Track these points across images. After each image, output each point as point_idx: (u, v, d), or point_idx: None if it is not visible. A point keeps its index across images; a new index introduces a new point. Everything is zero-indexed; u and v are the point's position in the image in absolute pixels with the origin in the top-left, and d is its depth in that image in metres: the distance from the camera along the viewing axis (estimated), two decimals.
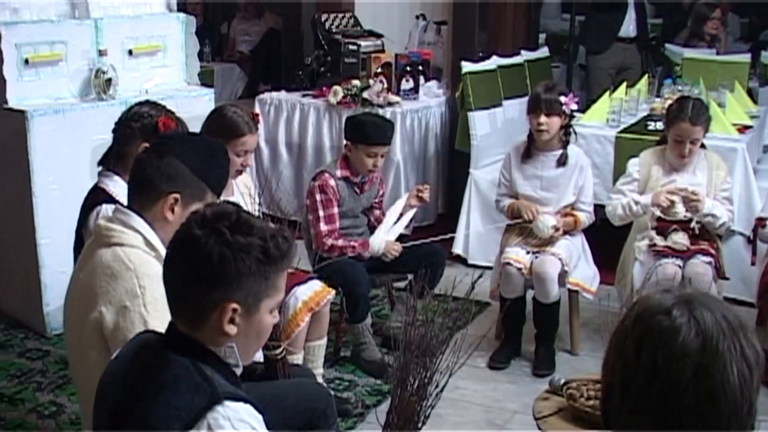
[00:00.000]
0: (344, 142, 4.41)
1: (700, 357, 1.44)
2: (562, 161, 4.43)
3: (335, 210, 4.32)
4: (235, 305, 1.85)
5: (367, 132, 4.28)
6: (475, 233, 5.69)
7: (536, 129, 4.36)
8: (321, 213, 4.29)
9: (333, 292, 3.89)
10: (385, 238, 4.34)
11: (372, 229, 4.50)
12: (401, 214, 4.47)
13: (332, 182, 4.31)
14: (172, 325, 1.93)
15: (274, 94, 6.61)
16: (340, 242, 4.27)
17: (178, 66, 5.26)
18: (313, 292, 3.80)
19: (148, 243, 2.46)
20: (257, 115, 3.81)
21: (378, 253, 4.30)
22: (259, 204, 3.87)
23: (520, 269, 4.30)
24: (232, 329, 1.86)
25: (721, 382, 1.43)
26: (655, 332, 1.47)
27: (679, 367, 1.44)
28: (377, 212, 4.58)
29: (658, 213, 4.25)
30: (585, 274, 4.50)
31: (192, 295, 1.86)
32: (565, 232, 4.43)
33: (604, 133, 5.43)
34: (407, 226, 4.57)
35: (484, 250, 5.61)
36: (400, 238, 4.47)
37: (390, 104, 6.15)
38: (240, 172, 3.69)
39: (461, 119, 5.95)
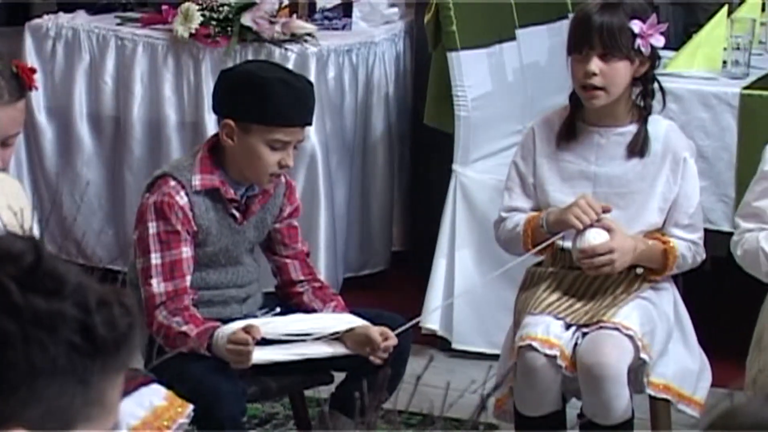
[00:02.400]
0: (216, 117, 4.48)
1: None
2: (636, 147, 4.52)
3: (185, 253, 4.39)
4: None
5: (275, 99, 4.34)
6: (465, 290, 5.74)
7: (583, 85, 4.45)
8: (155, 259, 4.39)
9: (190, 408, 3.96)
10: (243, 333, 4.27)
11: (283, 292, 4.61)
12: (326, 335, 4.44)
13: (182, 199, 4.37)
14: None
15: (64, 18, 6.67)
16: (168, 319, 4.31)
17: None
18: (150, 411, 3.85)
19: None
20: (31, 71, 3.91)
21: (218, 353, 4.28)
22: (39, 238, 3.87)
23: (553, 358, 4.38)
24: None
25: None
26: None
27: None
28: (283, 256, 4.64)
29: None
30: (682, 366, 4.60)
31: None
32: (644, 277, 4.50)
33: (718, 90, 5.58)
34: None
35: (482, 323, 5.72)
36: None
37: (295, 39, 6.24)
38: None
39: (435, 67, 6.06)
